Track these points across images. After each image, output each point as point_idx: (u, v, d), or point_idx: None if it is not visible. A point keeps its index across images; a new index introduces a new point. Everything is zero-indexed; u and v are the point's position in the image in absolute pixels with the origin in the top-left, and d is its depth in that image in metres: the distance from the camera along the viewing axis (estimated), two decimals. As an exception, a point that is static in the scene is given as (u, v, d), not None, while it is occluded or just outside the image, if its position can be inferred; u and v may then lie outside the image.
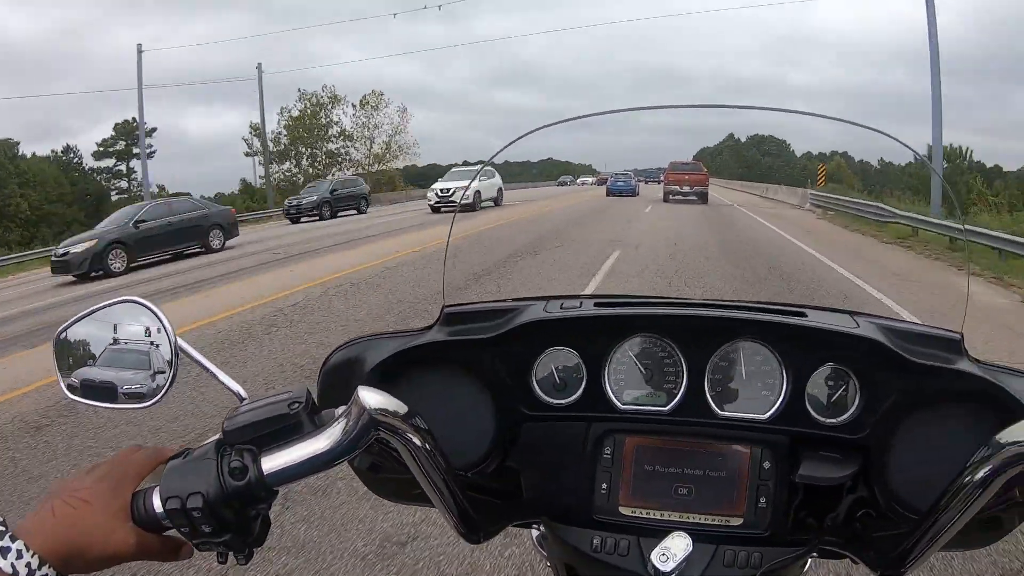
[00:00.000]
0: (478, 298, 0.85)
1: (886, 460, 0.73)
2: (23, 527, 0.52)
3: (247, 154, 41.41)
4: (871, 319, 0.79)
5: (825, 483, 0.73)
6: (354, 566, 2.52)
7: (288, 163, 42.70)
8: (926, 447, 0.72)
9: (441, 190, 22.18)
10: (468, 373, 0.80)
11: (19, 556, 0.50)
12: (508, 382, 0.80)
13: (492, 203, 23.44)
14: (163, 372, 0.67)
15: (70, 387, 0.69)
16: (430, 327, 0.83)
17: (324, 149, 43.29)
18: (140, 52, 29.50)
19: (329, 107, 43.59)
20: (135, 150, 47.78)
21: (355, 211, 25.54)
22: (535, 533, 0.89)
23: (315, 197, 24.64)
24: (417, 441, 0.63)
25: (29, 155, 41.16)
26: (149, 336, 0.67)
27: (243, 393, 0.65)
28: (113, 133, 49.41)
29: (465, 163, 27.19)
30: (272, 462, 0.57)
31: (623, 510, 0.75)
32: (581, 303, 0.83)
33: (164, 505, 0.56)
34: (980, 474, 0.59)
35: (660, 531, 0.70)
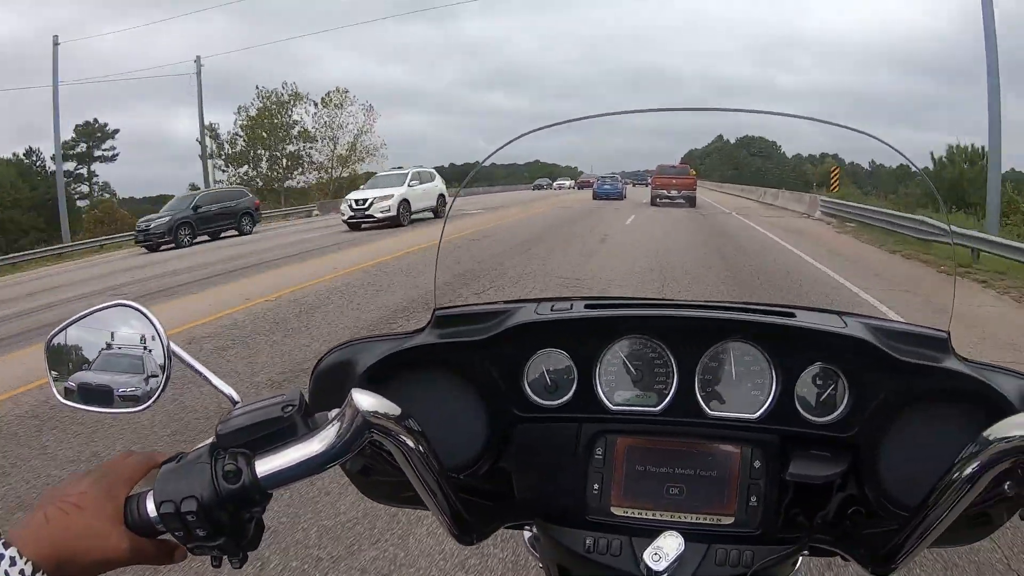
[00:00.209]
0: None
1: (875, 458, 0.74)
2: (16, 534, 0.52)
3: (201, 156, 36.99)
4: (859, 319, 0.80)
5: (815, 481, 0.74)
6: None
7: (246, 166, 38.85)
8: (914, 445, 0.73)
9: (357, 201, 17.72)
10: (459, 375, 0.81)
11: (12, 563, 0.49)
12: (500, 384, 0.80)
13: (430, 213, 19.18)
14: (156, 376, 0.67)
15: (67, 391, 0.69)
16: (421, 329, 0.83)
17: (284, 151, 39.84)
18: (56, 44, 26.79)
19: (290, 105, 39.51)
20: (96, 153, 46.75)
21: (235, 231, 20.16)
22: (527, 534, 0.90)
23: (167, 219, 18.60)
24: (411, 443, 0.63)
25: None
26: (143, 340, 0.67)
27: (236, 396, 0.65)
28: (74, 135, 46.47)
29: (397, 168, 21.64)
30: (266, 465, 0.58)
31: (615, 510, 0.76)
32: (572, 305, 0.84)
33: (158, 509, 0.56)
34: (968, 470, 0.59)
35: (652, 531, 0.71)
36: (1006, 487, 0.61)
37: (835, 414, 0.76)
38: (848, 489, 0.76)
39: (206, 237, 19.30)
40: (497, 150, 0.90)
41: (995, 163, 14.12)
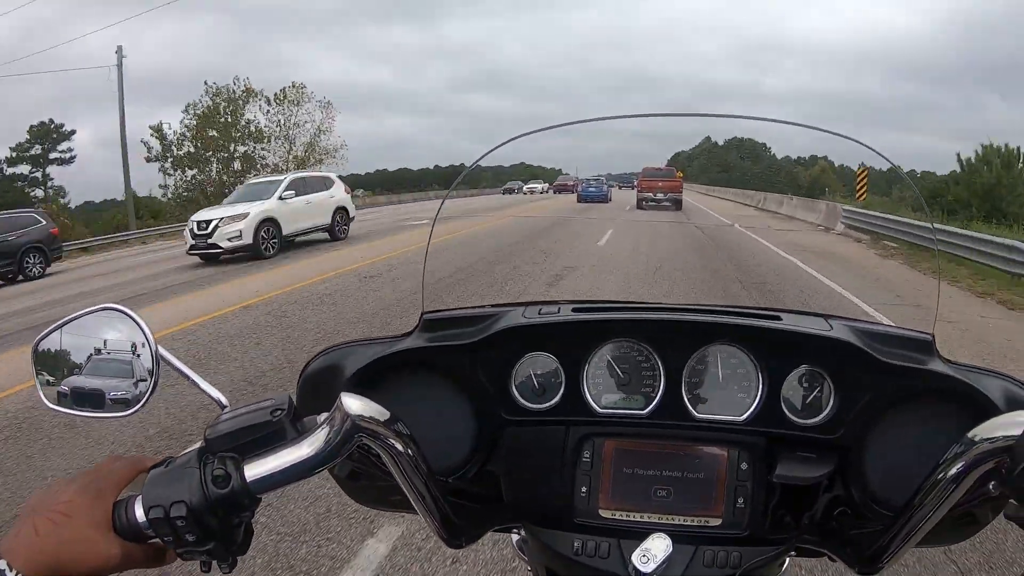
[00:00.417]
0: None
1: (861, 459, 0.75)
2: (5, 546, 0.52)
3: (147, 159, 32.65)
4: (844, 322, 0.81)
5: (802, 483, 0.74)
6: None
7: (195, 169, 34.59)
8: (900, 446, 0.74)
9: (199, 224, 12.64)
10: (447, 379, 0.81)
11: None
12: (487, 387, 0.81)
13: (324, 234, 14.63)
14: (144, 380, 0.67)
15: (59, 395, 0.68)
16: (409, 333, 0.83)
17: (235, 152, 34.84)
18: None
19: (242, 102, 34.62)
20: (52, 155, 44.41)
21: (6, 277, 13.34)
22: (515, 537, 0.90)
23: None
24: (399, 447, 0.63)
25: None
26: (132, 347, 0.67)
27: (224, 400, 0.64)
28: (28, 137, 43.74)
29: (284, 175, 15.95)
30: (255, 469, 0.57)
31: (603, 513, 0.76)
32: (559, 308, 0.84)
33: (147, 514, 0.56)
34: (953, 471, 0.60)
35: (640, 533, 0.71)
36: (990, 487, 0.61)
37: (821, 416, 0.77)
38: (834, 490, 0.77)
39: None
40: (486, 154, 0.90)
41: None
